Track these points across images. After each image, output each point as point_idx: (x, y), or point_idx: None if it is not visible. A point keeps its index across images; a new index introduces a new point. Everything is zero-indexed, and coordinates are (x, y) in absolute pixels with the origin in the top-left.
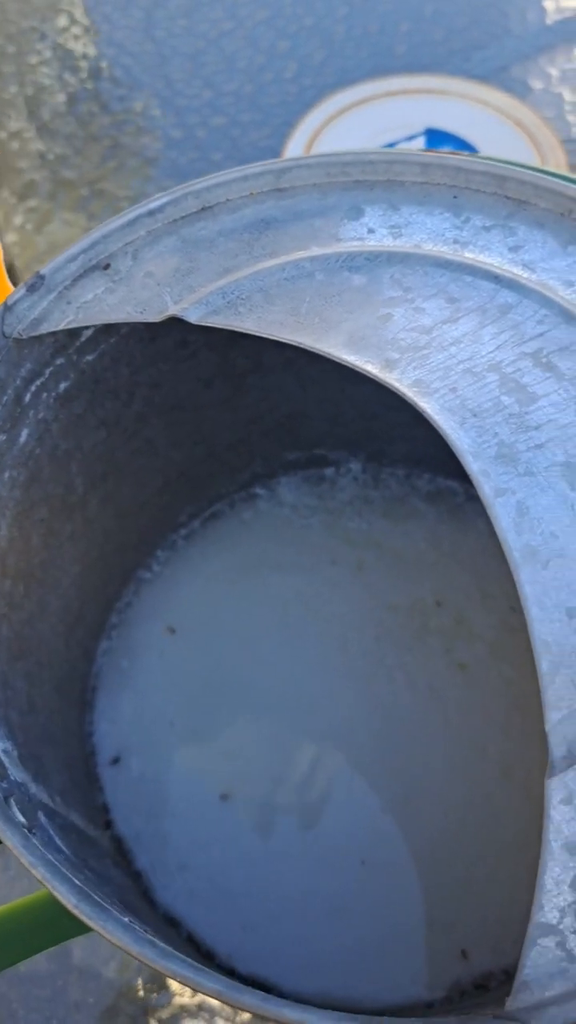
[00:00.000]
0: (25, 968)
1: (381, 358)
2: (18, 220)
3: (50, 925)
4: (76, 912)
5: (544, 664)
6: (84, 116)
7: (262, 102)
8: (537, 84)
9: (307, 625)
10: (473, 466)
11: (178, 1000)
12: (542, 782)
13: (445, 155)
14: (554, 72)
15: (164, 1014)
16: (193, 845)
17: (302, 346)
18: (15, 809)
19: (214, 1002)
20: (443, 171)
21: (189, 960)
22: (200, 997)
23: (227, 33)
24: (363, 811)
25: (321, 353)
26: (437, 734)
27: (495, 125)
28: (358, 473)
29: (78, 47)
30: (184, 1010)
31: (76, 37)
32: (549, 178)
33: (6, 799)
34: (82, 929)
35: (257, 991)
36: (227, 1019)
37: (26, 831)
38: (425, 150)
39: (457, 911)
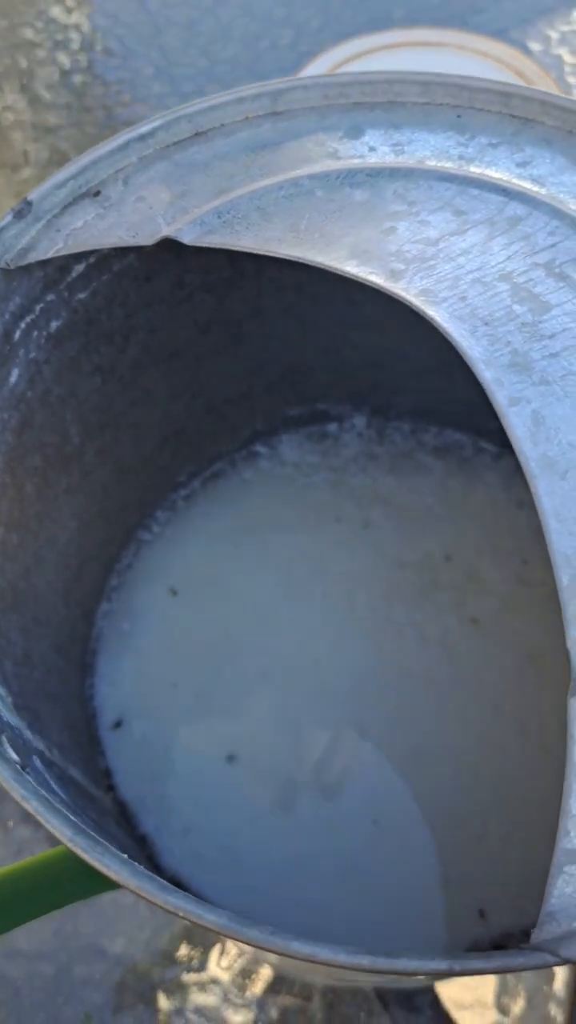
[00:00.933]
0: (29, 946)
1: (386, 269)
2: (13, 190)
3: (52, 887)
4: (72, 846)
5: (564, 578)
6: (78, 87)
7: (259, 69)
8: (536, 46)
9: (313, 585)
10: (486, 374)
11: (186, 975)
12: (559, 737)
13: (447, 74)
14: (553, 34)
15: (172, 988)
16: (199, 808)
17: (302, 260)
18: (7, 746)
19: (223, 975)
20: (445, 90)
21: (190, 895)
22: (210, 971)
23: (222, 2)
24: (374, 770)
25: (322, 266)
26: (449, 690)
27: (495, 75)
28: (362, 428)
29: (71, 19)
30: (193, 984)
31: (68, 9)
32: (556, 95)
33: None
34: (86, 892)
35: (264, 924)
36: (237, 992)
37: (18, 767)
38: None
39: (473, 870)
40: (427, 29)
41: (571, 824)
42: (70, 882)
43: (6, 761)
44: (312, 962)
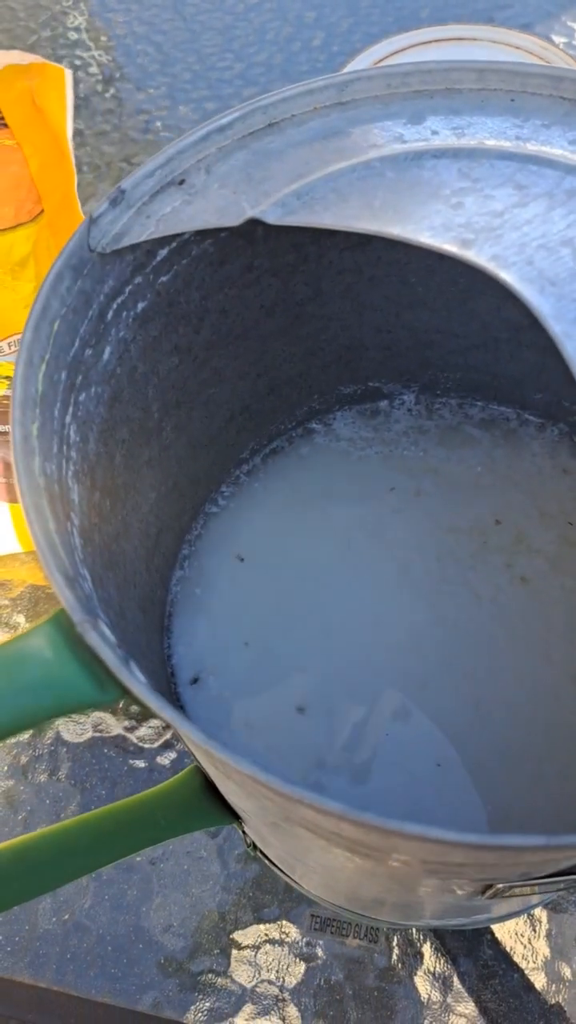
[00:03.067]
0: (109, 898)
1: (458, 239)
2: None
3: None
4: (206, 745)
5: None
6: (119, 93)
7: (292, 71)
8: (561, 39)
9: (370, 550)
10: (555, 328)
11: (259, 923)
12: None
13: (499, 61)
14: None
15: (246, 933)
16: (274, 755)
17: (380, 234)
18: (136, 669)
19: (294, 922)
20: (499, 76)
21: (308, 791)
22: (282, 918)
23: (255, 6)
24: (434, 718)
25: (399, 238)
26: (502, 644)
27: None
28: (412, 405)
29: (109, 27)
30: (265, 929)
31: (107, 18)
32: None
33: (126, 661)
34: (205, 820)
35: (372, 812)
36: (308, 936)
37: (148, 686)
38: None
39: (532, 808)
40: (458, 25)
41: None
42: (191, 810)
43: (139, 681)
44: (421, 842)
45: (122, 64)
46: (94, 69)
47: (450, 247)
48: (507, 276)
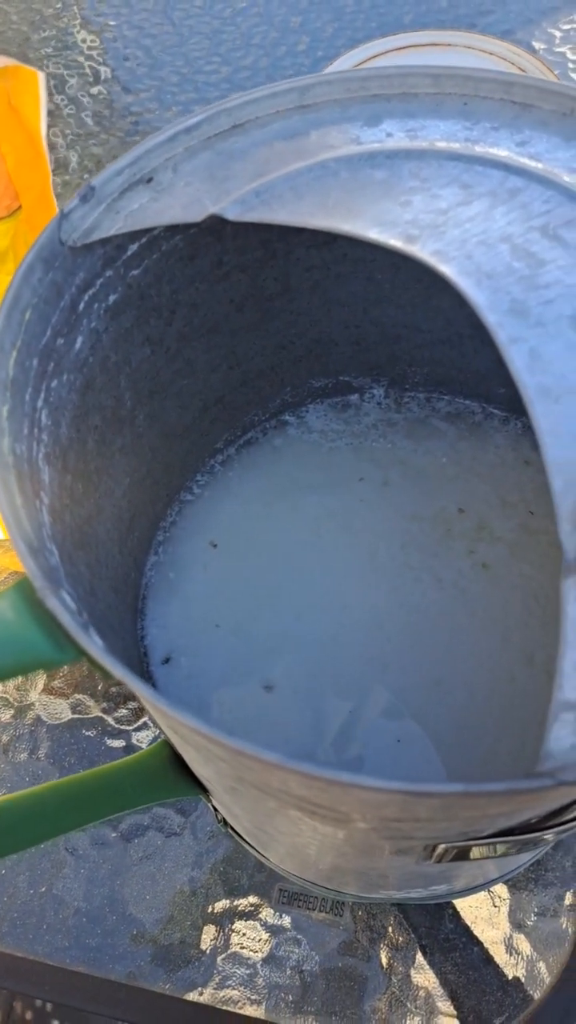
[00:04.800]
0: (86, 872)
1: (403, 235)
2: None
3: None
4: (158, 703)
5: (558, 484)
6: (108, 95)
7: (277, 75)
8: (540, 45)
9: (338, 537)
10: (489, 318)
11: (229, 896)
12: None
13: (454, 67)
14: (557, 33)
15: (216, 908)
16: (240, 731)
17: (331, 230)
18: (94, 634)
19: (263, 896)
20: (453, 81)
21: (253, 743)
22: (250, 893)
23: (241, 11)
24: (395, 697)
25: (349, 234)
26: (463, 626)
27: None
28: (381, 398)
29: (100, 30)
30: (234, 903)
31: (98, 21)
32: (552, 82)
33: (86, 627)
34: (171, 791)
35: (310, 762)
36: (276, 909)
37: (104, 648)
38: None
39: (488, 780)
40: (436, 31)
41: (565, 680)
42: (158, 781)
43: (95, 643)
44: (354, 789)
45: (112, 67)
46: (85, 71)
47: (396, 242)
48: (447, 269)
